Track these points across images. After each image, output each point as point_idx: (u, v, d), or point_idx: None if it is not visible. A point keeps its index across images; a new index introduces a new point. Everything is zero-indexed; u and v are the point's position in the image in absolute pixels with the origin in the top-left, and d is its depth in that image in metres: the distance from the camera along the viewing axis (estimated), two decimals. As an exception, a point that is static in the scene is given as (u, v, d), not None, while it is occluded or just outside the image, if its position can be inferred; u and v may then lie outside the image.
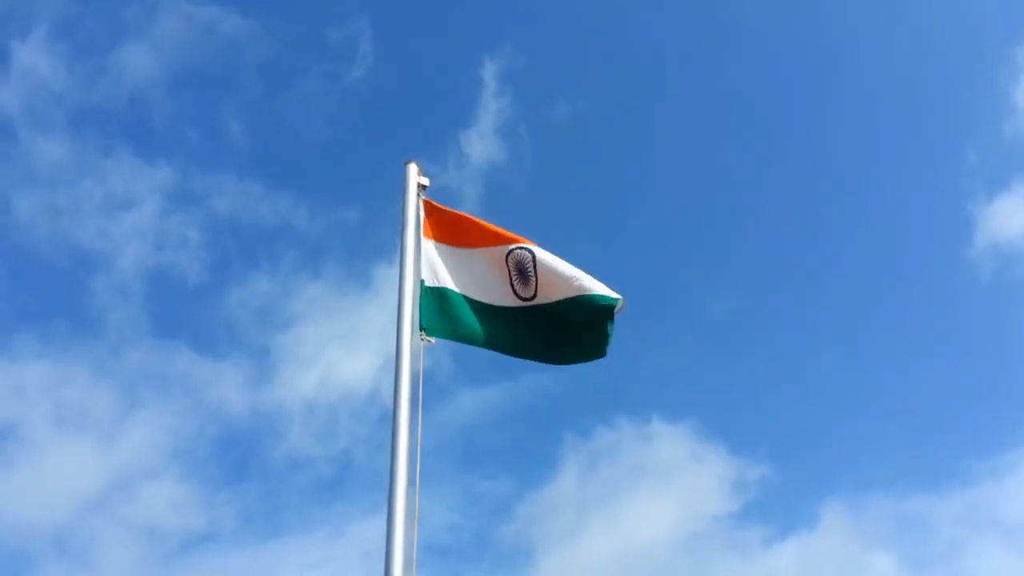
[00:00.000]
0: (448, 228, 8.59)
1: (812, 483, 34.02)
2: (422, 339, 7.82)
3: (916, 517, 31.78)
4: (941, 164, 37.34)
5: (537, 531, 30.74)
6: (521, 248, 8.44)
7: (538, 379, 32.38)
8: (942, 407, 35.44)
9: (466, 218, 8.65)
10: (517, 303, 8.40)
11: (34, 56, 33.68)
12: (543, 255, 8.42)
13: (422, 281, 8.09)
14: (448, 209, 8.63)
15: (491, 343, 8.34)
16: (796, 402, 36.44)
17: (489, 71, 35.50)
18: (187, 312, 36.25)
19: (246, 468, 33.69)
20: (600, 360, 8.43)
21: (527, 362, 8.56)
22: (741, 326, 37.62)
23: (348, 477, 31.51)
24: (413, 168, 8.44)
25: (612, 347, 8.33)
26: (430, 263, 8.25)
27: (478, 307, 8.38)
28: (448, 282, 8.28)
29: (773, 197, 38.66)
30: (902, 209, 38.29)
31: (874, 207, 38.29)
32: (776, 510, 32.61)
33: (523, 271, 8.43)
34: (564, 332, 8.36)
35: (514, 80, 35.87)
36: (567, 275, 8.29)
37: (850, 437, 34.80)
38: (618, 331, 8.50)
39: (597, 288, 8.31)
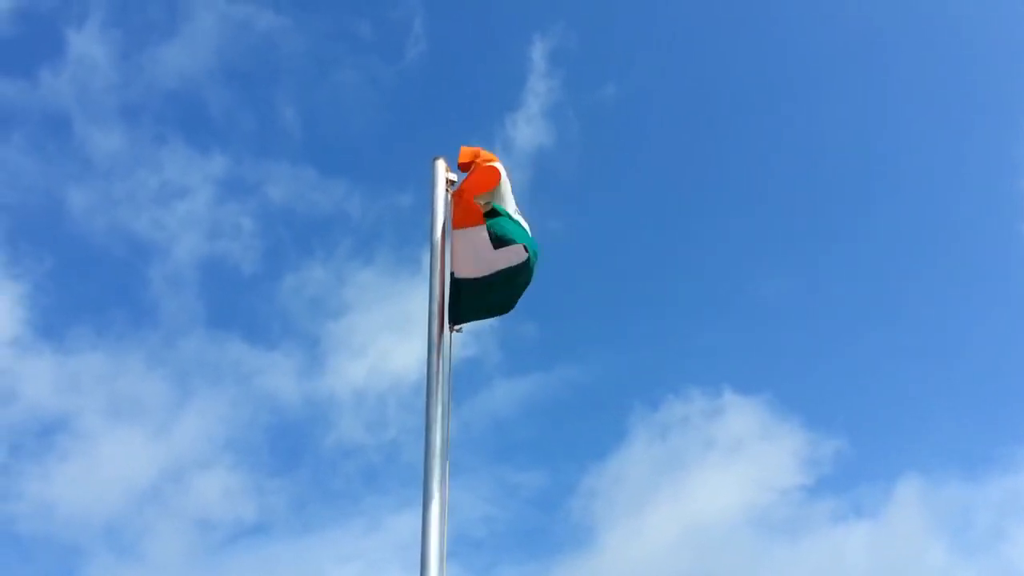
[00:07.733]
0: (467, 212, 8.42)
1: (883, 460, 33.74)
2: (452, 330, 7.87)
3: (957, 503, 31.41)
4: (998, 138, 36.70)
5: (601, 506, 30.68)
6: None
7: (571, 372, 32.15)
8: (989, 389, 34.91)
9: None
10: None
11: (89, 45, 34.06)
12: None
13: (452, 273, 8.06)
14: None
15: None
16: (859, 379, 36.11)
17: (539, 50, 35.35)
18: (241, 301, 36.71)
19: (297, 457, 34.10)
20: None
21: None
22: (800, 306, 37.42)
23: (394, 467, 31.75)
24: (441, 164, 8.38)
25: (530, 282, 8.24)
26: (460, 254, 8.14)
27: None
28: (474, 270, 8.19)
29: (829, 175, 38.25)
30: (957, 184, 37.72)
31: (929, 182, 37.78)
32: (848, 485, 32.53)
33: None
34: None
35: (564, 60, 35.71)
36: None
37: (907, 418, 34.45)
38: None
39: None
